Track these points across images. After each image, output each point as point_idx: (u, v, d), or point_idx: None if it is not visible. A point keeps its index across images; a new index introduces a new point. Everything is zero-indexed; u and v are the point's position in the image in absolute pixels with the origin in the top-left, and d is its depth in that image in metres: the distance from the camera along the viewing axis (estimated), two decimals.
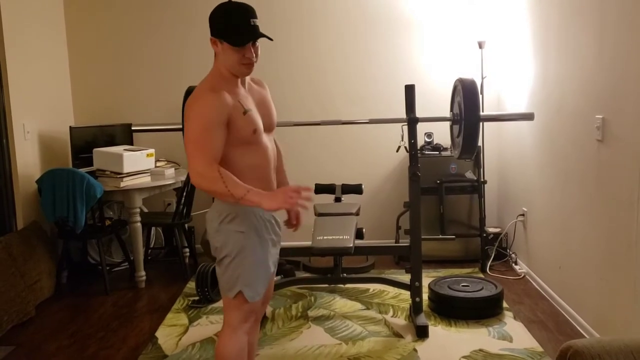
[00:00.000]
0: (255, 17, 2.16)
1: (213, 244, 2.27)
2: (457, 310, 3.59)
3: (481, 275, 4.27)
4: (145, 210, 4.88)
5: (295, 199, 2.05)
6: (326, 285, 4.11)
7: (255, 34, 2.14)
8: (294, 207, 2.07)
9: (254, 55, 2.17)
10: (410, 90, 3.48)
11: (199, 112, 2.10)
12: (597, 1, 3.07)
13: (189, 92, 3.02)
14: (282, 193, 2.07)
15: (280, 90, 4.94)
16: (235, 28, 2.12)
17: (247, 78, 2.30)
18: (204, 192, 2.12)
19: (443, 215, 4.57)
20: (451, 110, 3.55)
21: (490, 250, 4.64)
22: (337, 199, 4.11)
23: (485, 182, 4.65)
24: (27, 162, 4.27)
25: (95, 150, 4.39)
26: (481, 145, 4.60)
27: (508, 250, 4.68)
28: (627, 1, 2.76)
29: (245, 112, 2.16)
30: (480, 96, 3.86)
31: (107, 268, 4.39)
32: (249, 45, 2.14)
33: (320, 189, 4.18)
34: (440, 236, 4.54)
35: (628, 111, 2.77)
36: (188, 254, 4.79)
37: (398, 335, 3.38)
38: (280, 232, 2.40)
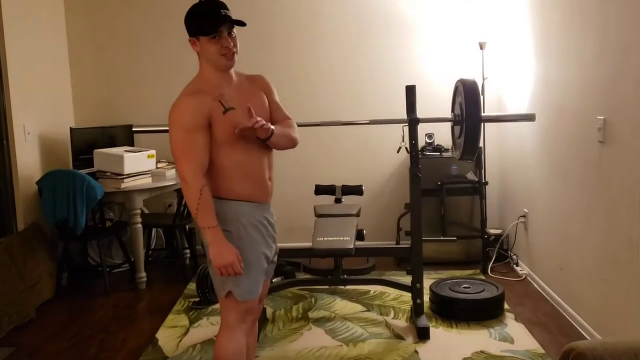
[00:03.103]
0: (226, 9, 2.20)
1: (203, 241, 2.26)
2: (458, 311, 3.58)
3: (482, 277, 4.26)
4: (146, 211, 4.88)
5: (227, 273, 2.15)
6: (327, 287, 4.10)
7: (225, 19, 2.17)
8: (224, 274, 2.16)
9: (232, 44, 2.19)
10: (411, 91, 3.47)
11: (176, 118, 2.15)
12: (598, 1, 3.06)
13: None
14: (229, 263, 2.13)
15: (280, 91, 4.92)
16: (206, 20, 2.17)
17: (235, 76, 2.28)
18: None
19: (444, 216, 4.56)
20: (452, 111, 3.54)
21: (492, 251, 4.63)
22: (338, 200, 4.11)
23: (486, 183, 4.65)
24: (28, 164, 4.26)
25: (96, 151, 4.39)
26: (482, 146, 4.59)
27: (509, 252, 4.67)
28: (628, 1, 2.76)
29: (225, 111, 2.16)
30: (482, 97, 3.86)
31: (108, 269, 4.39)
32: (224, 35, 2.17)
33: (321, 190, 4.17)
34: (442, 238, 4.53)
35: (629, 112, 2.76)
36: (189, 255, 4.79)
37: (399, 337, 3.37)
38: (274, 234, 2.39)
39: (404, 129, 3.53)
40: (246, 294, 2.25)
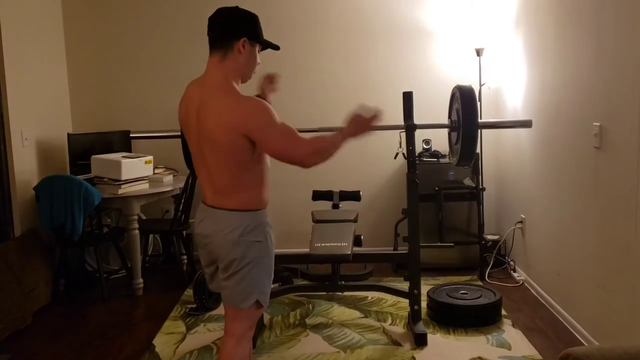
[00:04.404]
0: None
1: (230, 256, 2.20)
2: (455, 318, 3.58)
3: (480, 283, 4.26)
4: (143, 217, 4.87)
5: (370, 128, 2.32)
6: (324, 293, 4.09)
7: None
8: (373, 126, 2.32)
9: None
10: (408, 97, 3.48)
11: (262, 106, 2.14)
12: (593, 9, 3.08)
13: None
14: (366, 122, 2.30)
15: (277, 96, 4.93)
16: (262, 33, 2.29)
17: None
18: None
19: (442, 222, 4.56)
20: (449, 117, 3.55)
21: (489, 257, 4.63)
22: (335, 206, 4.11)
23: (483, 189, 4.65)
24: (25, 169, 4.26)
25: (94, 157, 4.38)
26: (479, 152, 4.60)
27: (506, 258, 4.68)
28: (623, 9, 2.77)
29: None
30: (478, 103, 3.87)
31: (105, 275, 4.38)
32: None
33: (318, 195, 4.18)
34: (439, 243, 4.53)
35: (625, 118, 2.77)
36: (186, 261, 4.78)
37: (396, 344, 3.36)
38: None
39: (401, 135, 3.53)
40: (268, 299, 2.30)
